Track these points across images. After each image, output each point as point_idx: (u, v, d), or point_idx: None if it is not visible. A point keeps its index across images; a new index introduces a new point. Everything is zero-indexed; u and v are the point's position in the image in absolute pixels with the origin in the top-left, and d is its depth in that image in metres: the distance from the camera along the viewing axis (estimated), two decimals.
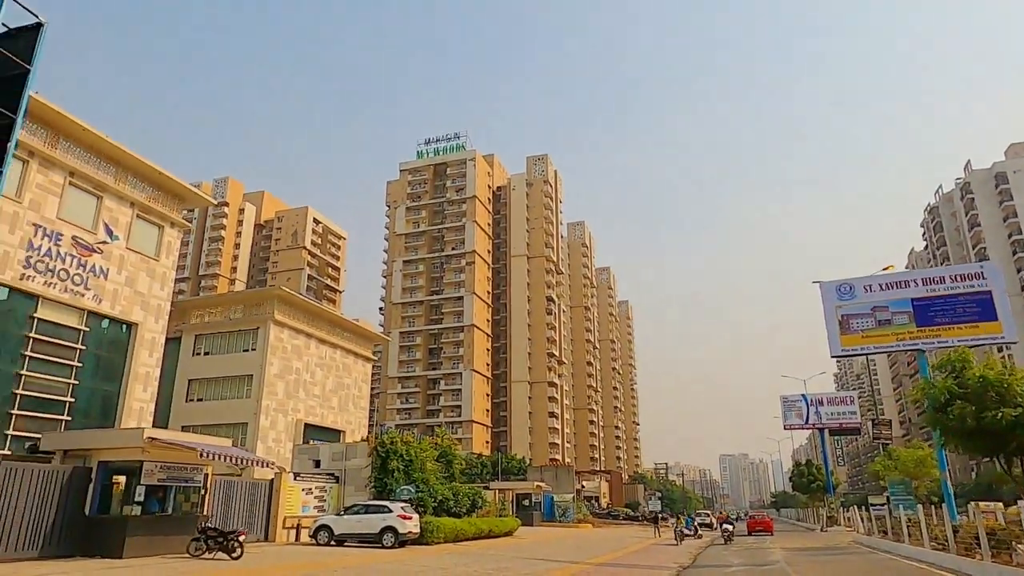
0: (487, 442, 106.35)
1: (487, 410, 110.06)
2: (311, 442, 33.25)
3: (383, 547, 20.53)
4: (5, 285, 25.98)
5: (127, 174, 31.82)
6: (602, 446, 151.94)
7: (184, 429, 40.84)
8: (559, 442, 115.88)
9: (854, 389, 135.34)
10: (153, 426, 39.69)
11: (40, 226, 27.37)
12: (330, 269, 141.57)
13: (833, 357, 30.84)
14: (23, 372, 26.15)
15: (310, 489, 23.94)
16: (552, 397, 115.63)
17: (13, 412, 25.46)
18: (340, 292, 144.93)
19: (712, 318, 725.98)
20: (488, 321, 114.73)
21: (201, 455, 14.92)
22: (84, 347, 28.65)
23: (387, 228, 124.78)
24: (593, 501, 79.31)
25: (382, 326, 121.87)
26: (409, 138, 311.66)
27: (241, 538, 15.58)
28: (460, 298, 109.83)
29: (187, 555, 15.68)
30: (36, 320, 26.94)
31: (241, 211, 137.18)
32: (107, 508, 15.49)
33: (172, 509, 17.11)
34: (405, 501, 23.32)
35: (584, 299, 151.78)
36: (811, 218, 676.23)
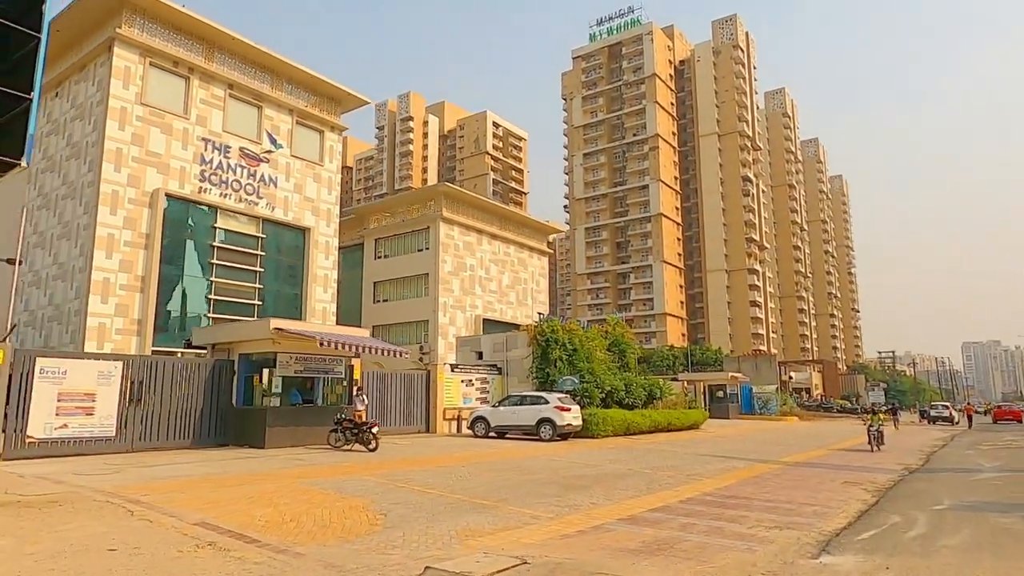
0: (683, 335, 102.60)
1: (681, 302, 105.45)
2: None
3: (540, 440, 19.02)
4: (185, 199, 27.60)
5: (282, 82, 32.00)
6: (814, 336, 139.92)
7: (374, 329, 42.96)
8: (763, 332, 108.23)
9: None
10: (338, 324, 42.01)
11: (209, 140, 28.45)
12: (513, 172, 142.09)
13: None
14: (212, 279, 28.05)
15: (470, 380, 23.10)
16: (753, 285, 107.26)
17: (209, 315, 27.67)
18: (525, 194, 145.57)
19: (953, 186, 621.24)
20: (677, 209, 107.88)
21: (320, 344, 14.07)
22: (263, 253, 30.13)
23: (565, 123, 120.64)
24: (803, 393, 73.00)
25: (568, 224, 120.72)
26: (583, 24, 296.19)
27: (374, 429, 14.77)
28: (645, 187, 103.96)
29: (327, 446, 15.32)
30: (217, 230, 28.59)
31: (425, 123, 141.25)
32: (251, 400, 15.48)
33: (318, 401, 16.85)
34: (566, 392, 21.53)
35: (787, 176, 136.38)
36: None
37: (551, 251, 53.62)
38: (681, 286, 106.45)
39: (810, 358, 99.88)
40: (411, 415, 20.84)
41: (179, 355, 18.41)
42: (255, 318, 28.54)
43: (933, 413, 43.72)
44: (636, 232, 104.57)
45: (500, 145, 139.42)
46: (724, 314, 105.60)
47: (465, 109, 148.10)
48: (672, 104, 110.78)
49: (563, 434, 19.33)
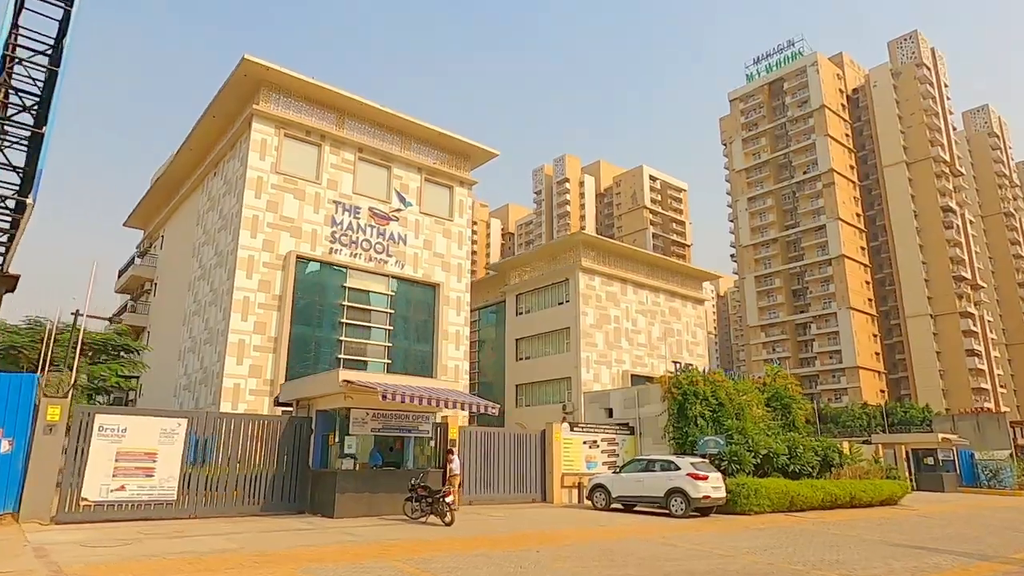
0: (881, 391, 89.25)
1: (876, 353, 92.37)
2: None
3: (671, 515, 15.46)
4: (318, 260, 28.16)
5: (411, 141, 32.41)
6: None
7: (517, 388, 41.21)
8: (987, 387, 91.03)
9: None
10: (477, 386, 40.82)
11: (339, 202, 29.13)
12: (674, 224, 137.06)
13: None
14: (342, 338, 28.06)
15: (595, 442, 20.05)
16: (968, 331, 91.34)
17: None
18: (688, 246, 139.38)
19: None
20: (862, 249, 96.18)
21: (383, 397, 12.26)
22: (393, 311, 29.83)
23: (726, 168, 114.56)
24: None
25: (736, 273, 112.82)
26: (738, 66, 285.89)
27: (448, 499, 12.46)
28: (821, 227, 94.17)
29: (404, 517, 13.25)
30: (347, 289, 28.78)
31: (581, 184, 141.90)
32: (326, 462, 13.99)
33: (409, 464, 14.99)
34: (708, 456, 17.74)
35: (1002, 204, 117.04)
36: None
37: (707, 298, 48.92)
38: (875, 335, 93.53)
39: None
40: (524, 482, 18.28)
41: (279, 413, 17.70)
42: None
43: None
44: (815, 277, 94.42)
45: (658, 198, 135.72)
46: (933, 366, 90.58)
47: (621, 167, 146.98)
48: (847, 136, 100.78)
49: (701, 508, 15.63)
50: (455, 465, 14.50)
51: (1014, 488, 35.04)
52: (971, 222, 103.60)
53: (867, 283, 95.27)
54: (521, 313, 42.35)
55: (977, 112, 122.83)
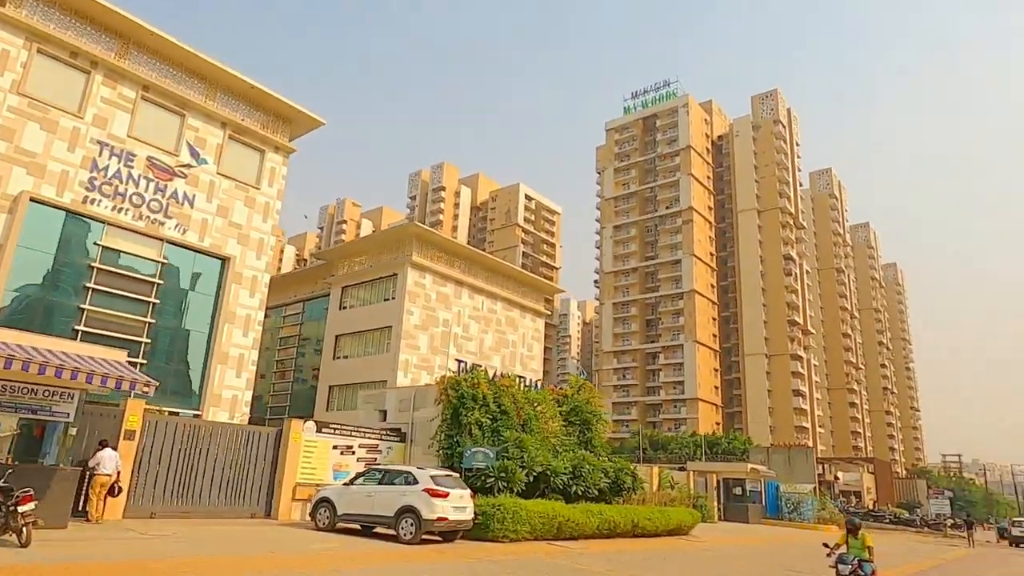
0: (717, 423, 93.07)
1: (716, 387, 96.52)
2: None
3: (399, 540, 12.50)
4: (63, 207, 22.97)
5: (216, 91, 27.86)
6: (868, 434, 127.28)
7: (331, 389, 37.16)
8: (808, 426, 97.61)
9: None
10: (292, 384, 35.91)
11: (106, 144, 24.05)
12: (545, 245, 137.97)
13: None
14: (85, 306, 22.98)
15: (350, 447, 16.86)
16: (796, 372, 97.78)
17: None
18: (556, 268, 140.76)
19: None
20: (712, 286, 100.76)
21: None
22: (162, 281, 25.07)
23: (598, 196, 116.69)
24: (852, 497, 62.90)
25: (597, 299, 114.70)
26: (619, 99, 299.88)
27: (23, 507, 8.69)
28: (677, 262, 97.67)
29: None
30: (102, 249, 23.74)
31: (457, 194, 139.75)
32: None
33: (49, 459, 10.94)
34: (472, 470, 15.08)
35: (835, 260, 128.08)
36: None
37: (549, 312, 47.47)
38: (716, 370, 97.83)
39: (869, 458, 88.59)
40: (244, 492, 14.64)
41: None
42: (139, 359, 23.30)
43: (1015, 532, 34.43)
44: (667, 309, 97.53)
45: (532, 218, 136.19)
46: (764, 403, 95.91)
47: (499, 183, 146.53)
48: (708, 178, 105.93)
49: (443, 533, 12.81)
50: (105, 464, 10.68)
51: (813, 522, 35.69)
52: (807, 273, 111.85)
53: (714, 319, 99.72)
54: (345, 307, 38.44)
55: (821, 173, 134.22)
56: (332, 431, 16.91)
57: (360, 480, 13.97)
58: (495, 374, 19.90)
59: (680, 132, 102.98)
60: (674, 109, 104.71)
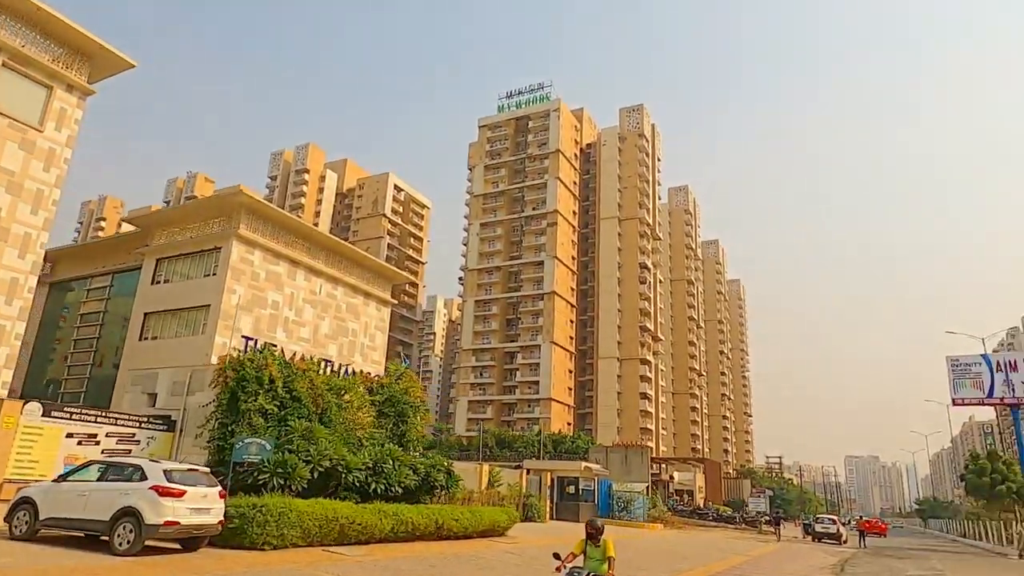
0: (569, 423, 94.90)
1: (569, 388, 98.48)
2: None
3: (113, 551, 9.99)
4: None
5: None
6: (706, 436, 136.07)
7: (132, 375, 32.54)
8: (652, 427, 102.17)
9: None
10: (97, 367, 31.89)
11: None
12: (412, 239, 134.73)
13: None
14: None
15: (93, 436, 13.95)
16: (645, 376, 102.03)
17: None
18: (423, 263, 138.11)
19: (840, 310, 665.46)
20: (572, 290, 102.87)
21: None
22: None
23: (468, 192, 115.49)
24: (684, 496, 66.03)
25: (461, 296, 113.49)
26: (494, 97, 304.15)
27: None
28: (540, 263, 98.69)
29: None
30: None
31: (322, 178, 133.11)
32: None
33: None
34: (243, 464, 12.79)
35: (686, 272, 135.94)
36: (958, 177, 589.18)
37: (396, 301, 45.20)
38: (571, 371, 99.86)
39: (701, 458, 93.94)
40: None
41: None
42: None
43: (818, 528, 36.97)
44: (528, 309, 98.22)
45: (400, 210, 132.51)
46: (613, 404, 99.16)
47: (369, 171, 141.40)
48: (575, 184, 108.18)
49: (182, 540, 10.45)
50: None
51: (643, 520, 36.20)
52: (661, 282, 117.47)
53: (571, 322, 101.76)
54: (159, 282, 33.94)
55: (679, 190, 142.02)
56: (68, 416, 13.82)
57: (77, 475, 11.18)
58: (327, 363, 17.50)
59: (551, 136, 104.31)
60: (546, 113, 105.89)
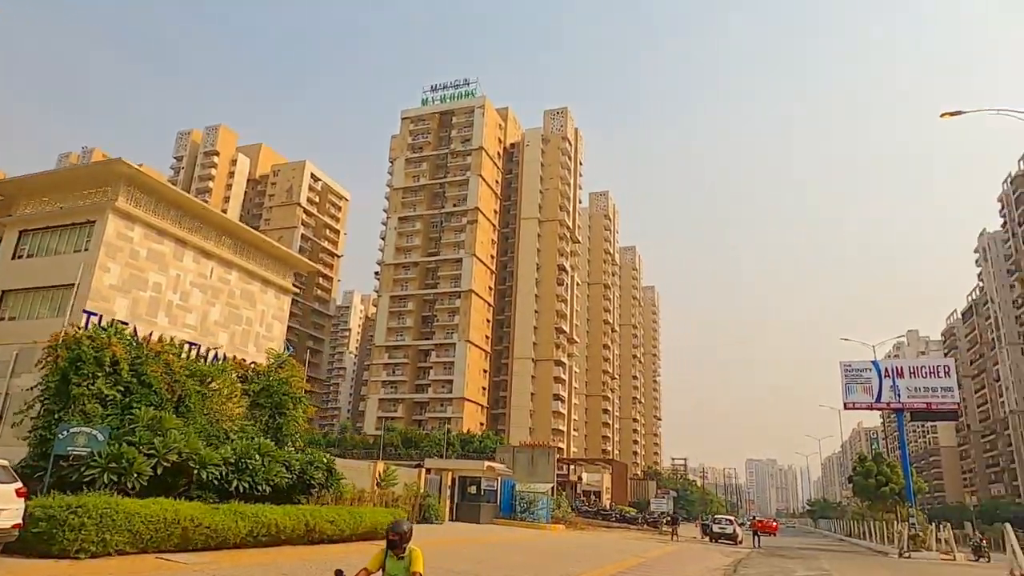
0: (481, 423, 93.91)
1: (484, 388, 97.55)
2: None
3: None
4: None
5: None
6: (616, 438, 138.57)
7: None
8: (564, 429, 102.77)
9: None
10: None
11: None
12: (328, 231, 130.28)
13: None
14: None
15: None
16: (558, 378, 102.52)
17: None
18: (339, 256, 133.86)
19: (746, 316, 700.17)
20: (490, 289, 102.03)
21: None
22: None
23: (388, 186, 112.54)
24: (591, 497, 66.32)
25: (376, 291, 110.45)
26: (418, 89, 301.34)
27: None
28: (459, 260, 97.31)
29: None
30: None
31: (233, 162, 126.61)
32: None
33: None
34: (69, 457, 10.91)
35: (604, 276, 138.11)
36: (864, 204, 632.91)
37: (298, 290, 42.75)
38: (485, 371, 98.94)
39: (609, 459, 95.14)
40: None
41: None
42: None
43: (716, 528, 37.52)
44: (444, 307, 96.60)
45: (317, 200, 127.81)
46: (527, 405, 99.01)
47: (286, 157, 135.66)
48: (497, 183, 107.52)
49: None
50: None
51: (547, 521, 35.53)
52: (578, 285, 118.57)
53: (488, 321, 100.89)
54: (21, 256, 30.36)
55: (600, 195, 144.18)
56: None
57: None
58: (191, 346, 15.49)
59: (475, 132, 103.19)
60: (471, 109, 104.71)
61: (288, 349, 25.02)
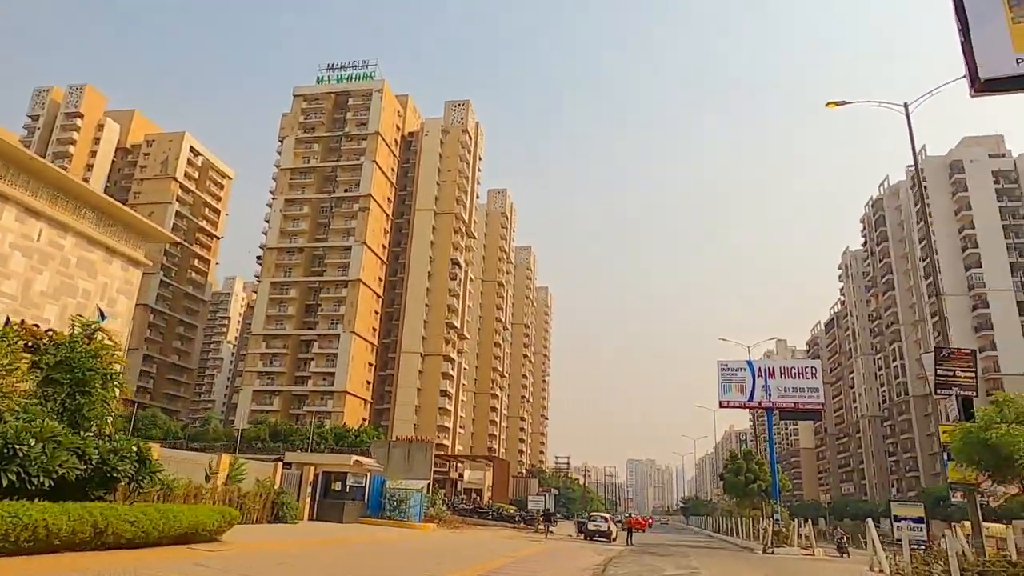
0: (364, 418, 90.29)
1: (368, 382, 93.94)
2: None
3: None
4: None
5: None
6: (503, 436, 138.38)
7: None
8: (450, 426, 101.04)
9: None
10: None
11: None
12: (208, 210, 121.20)
13: None
14: None
15: None
16: (447, 373, 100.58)
17: None
18: (218, 238, 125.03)
19: (631, 325, 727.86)
20: (380, 280, 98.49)
21: None
22: None
23: (276, 166, 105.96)
24: (474, 494, 64.94)
25: (257, 277, 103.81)
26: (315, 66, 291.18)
27: None
28: (348, 248, 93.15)
29: None
30: None
31: (100, 127, 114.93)
32: None
33: None
34: None
35: (498, 274, 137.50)
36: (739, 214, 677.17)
37: (149, 264, 38.24)
38: (371, 364, 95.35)
39: (491, 457, 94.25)
40: None
41: None
42: None
43: (591, 526, 37.13)
44: (330, 296, 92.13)
45: (196, 176, 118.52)
46: (412, 401, 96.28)
47: (162, 127, 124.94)
48: (393, 171, 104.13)
49: None
50: None
51: (419, 520, 33.58)
52: (472, 281, 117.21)
53: (376, 313, 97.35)
54: None
55: (498, 192, 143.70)
56: None
57: None
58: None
59: (372, 117, 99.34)
60: (369, 92, 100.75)
61: (100, 317, 21.56)
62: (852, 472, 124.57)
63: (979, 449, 11.18)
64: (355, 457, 31.08)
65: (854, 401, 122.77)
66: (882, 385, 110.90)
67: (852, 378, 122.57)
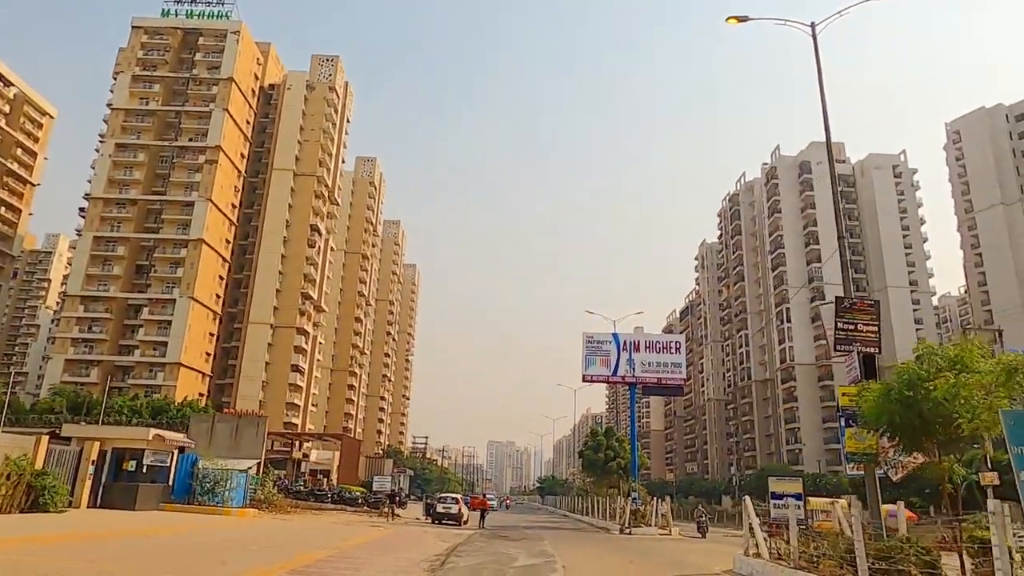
0: (202, 393, 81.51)
1: (208, 353, 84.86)
2: None
3: None
4: None
5: None
6: (361, 416, 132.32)
7: None
8: (301, 404, 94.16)
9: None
10: None
11: None
12: (20, 150, 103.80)
13: None
14: None
15: None
16: (300, 348, 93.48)
17: None
18: (34, 185, 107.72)
19: (496, 309, 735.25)
20: (228, 243, 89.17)
21: None
22: None
23: (109, 105, 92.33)
24: (320, 475, 59.84)
25: (78, 231, 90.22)
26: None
27: None
28: (190, 204, 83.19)
29: None
30: None
31: None
32: None
33: None
34: None
35: (363, 247, 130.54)
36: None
37: None
38: (213, 334, 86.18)
39: (338, 435, 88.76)
40: None
41: None
42: None
43: (440, 508, 34.08)
44: (166, 256, 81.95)
45: (7, 110, 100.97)
46: (259, 376, 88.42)
47: None
48: (248, 123, 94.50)
49: None
50: None
51: (242, 505, 28.73)
52: (333, 251, 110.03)
53: (221, 278, 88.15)
54: None
55: (367, 160, 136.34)
56: None
57: None
58: None
59: (225, 61, 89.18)
60: (223, 33, 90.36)
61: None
62: (696, 452, 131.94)
63: (900, 409, 9.22)
64: (154, 431, 25.68)
65: (702, 385, 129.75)
66: (728, 370, 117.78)
67: (702, 364, 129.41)
